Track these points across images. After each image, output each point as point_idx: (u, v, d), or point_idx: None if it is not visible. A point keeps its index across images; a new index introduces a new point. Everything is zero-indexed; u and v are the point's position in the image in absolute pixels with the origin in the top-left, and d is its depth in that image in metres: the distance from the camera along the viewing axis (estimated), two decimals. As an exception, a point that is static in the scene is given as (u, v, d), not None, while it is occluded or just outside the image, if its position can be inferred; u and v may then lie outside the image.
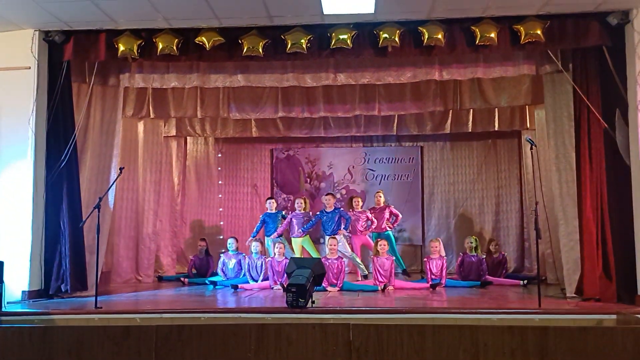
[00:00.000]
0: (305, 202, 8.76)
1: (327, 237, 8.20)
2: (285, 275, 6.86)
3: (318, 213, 8.64)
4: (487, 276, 8.33)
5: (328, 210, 8.50)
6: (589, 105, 6.66)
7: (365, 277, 8.39)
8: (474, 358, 4.38)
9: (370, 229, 8.72)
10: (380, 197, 8.90)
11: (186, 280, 8.81)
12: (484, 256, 8.54)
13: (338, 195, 10.30)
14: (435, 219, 10.31)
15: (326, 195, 8.82)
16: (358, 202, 8.85)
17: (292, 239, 8.75)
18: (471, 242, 8.53)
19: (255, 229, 8.80)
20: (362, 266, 8.54)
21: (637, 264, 6.30)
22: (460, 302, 6.55)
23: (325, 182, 10.57)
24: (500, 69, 7.35)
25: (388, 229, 8.79)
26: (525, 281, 8.14)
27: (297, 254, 8.55)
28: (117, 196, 8.58)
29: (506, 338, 4.37)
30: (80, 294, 7.09)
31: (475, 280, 8.17)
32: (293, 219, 8.65)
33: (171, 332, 4.83)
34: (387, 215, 8.83)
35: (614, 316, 5.47)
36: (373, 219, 8.69)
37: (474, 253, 8.47)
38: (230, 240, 8.83)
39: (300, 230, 8.52)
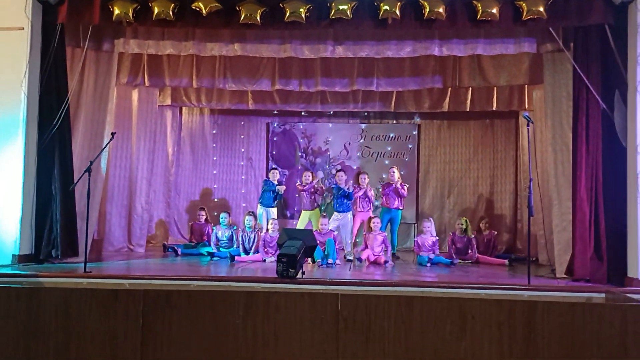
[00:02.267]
0: (312, 176, 8.86)
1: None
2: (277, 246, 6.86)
3: (334, 186, 8.59)
4: (478, 255, 8.34)
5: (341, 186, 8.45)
6: (588, 86, 6.59)
7: (349, 261, 8.24)
8: (461, 330, 4.38)
9: (370, 209, 8.62)
10: (394, 172, 8.70)
11: (179, 250, 8.80)
12: (473, 236, 8.53)
13: (333, 171, 10.24)
14: (429, 198, 10.29)
15: (338, 171, 8.71)
16: (365, 178, 8.58)
17: (302, 211, 8.78)
18: (462, 224, 8.52)
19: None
20: (351, 250, 8.44)
21: (629, 245, 6.29)
22: (449, 278, 6.56)
23: (320, 157, 10.51)
24: (501, 46, 7.24)
25: (400, 207, 8.66)
26: (513, 256, 8.11)
27: (301, 226, 8.62)
28: (110, 164, 8.54)
29: (494, 311, 4.37)
30: (71, 260, 7.08)
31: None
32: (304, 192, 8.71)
33: (159, 296, 4.82)
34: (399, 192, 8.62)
35: (602, 295, 5.48)
36: (372, 196, 8.55)
37: (463, 234, 8.47)
38: (222, 215, 8.84)
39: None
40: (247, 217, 8.44)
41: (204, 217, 9.37)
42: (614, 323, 4.26)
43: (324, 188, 8.95)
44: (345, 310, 4.59)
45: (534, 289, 5.67)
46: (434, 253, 7.98)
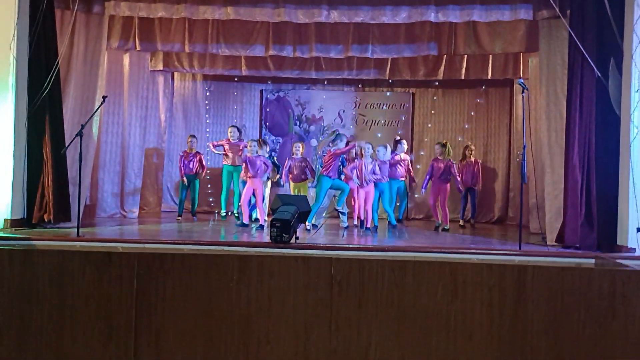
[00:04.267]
0: (303, 147, 8.69)
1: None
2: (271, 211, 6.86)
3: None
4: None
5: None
6: (583, 53, 6.55)
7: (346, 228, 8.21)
8: (453, 293, 4.41)
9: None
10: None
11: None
12: (453, 162, 8.62)
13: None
14: (423, 166, 10.30)
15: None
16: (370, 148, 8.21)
17: (292, 182, 8.61)
18: (441, 146, 8.61)
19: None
20: (345, 218, 8.34)
21: (619, 213, 6.35)
22: (442, 244, 6.62)
23: (314, 125, 10.46)
24: (497, 12, 7.18)
25: (402, 178, 8.44)
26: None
27: None
28: (101, 130, 8.47)
29: (484, 275, 4.40)
30: (63, 224, 7.07)
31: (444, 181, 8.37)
32: (291, 164, 8.51)
33: (153, 260, 4.80)
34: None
35: (592, 260, 5.55)
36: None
37: (444, 158, 8.52)
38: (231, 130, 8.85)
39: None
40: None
41: (195, 143, 9.02)
42: (603, 287, 4.31)
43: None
44: (339, 274, 4.61)
45: (524, 254, 5.74)
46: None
